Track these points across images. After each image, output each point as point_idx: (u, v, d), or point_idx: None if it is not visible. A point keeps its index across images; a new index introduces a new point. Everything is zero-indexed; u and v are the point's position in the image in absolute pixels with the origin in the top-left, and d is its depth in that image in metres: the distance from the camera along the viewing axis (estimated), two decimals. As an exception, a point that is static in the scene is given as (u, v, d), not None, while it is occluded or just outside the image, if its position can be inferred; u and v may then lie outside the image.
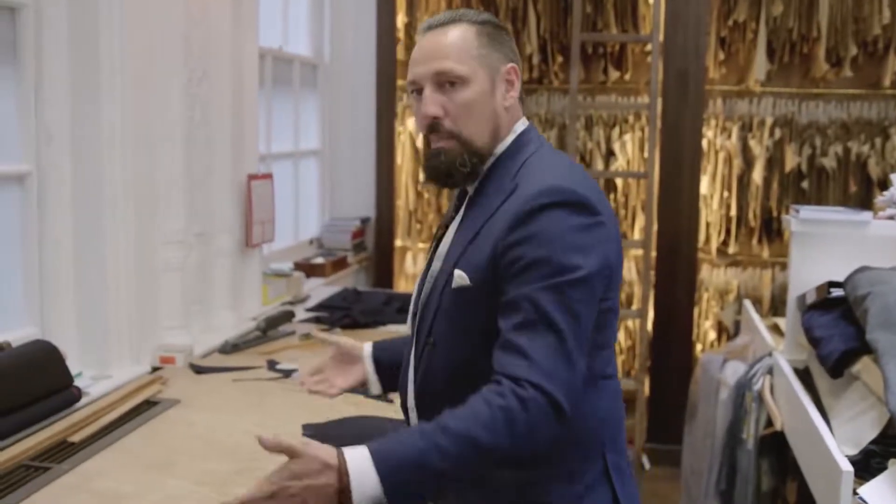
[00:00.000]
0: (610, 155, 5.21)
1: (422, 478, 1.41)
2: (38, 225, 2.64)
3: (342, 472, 1.39)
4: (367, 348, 1.93)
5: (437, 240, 1.75)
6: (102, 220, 2.68)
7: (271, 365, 2.87)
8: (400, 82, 5.17)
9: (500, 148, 1.69)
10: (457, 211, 1.74)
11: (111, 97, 2.65)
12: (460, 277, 1.59)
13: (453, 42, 1.67)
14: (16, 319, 2.64)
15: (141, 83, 2.77)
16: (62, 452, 2.17)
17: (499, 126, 1.68)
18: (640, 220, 5.21)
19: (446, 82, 1.65)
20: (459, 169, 1.65)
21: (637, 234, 5.20)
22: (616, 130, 5.20)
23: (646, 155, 5.02)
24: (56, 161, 2.64)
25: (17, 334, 2.56)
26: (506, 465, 1.49)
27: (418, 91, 1.68)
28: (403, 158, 5.32)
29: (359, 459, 1.40)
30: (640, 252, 5.12)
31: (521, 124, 1.72)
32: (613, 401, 1.68)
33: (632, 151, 5.19)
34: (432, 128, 1.66)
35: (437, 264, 1.69)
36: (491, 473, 1.53)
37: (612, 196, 5.23)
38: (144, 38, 2.77)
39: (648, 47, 5.05)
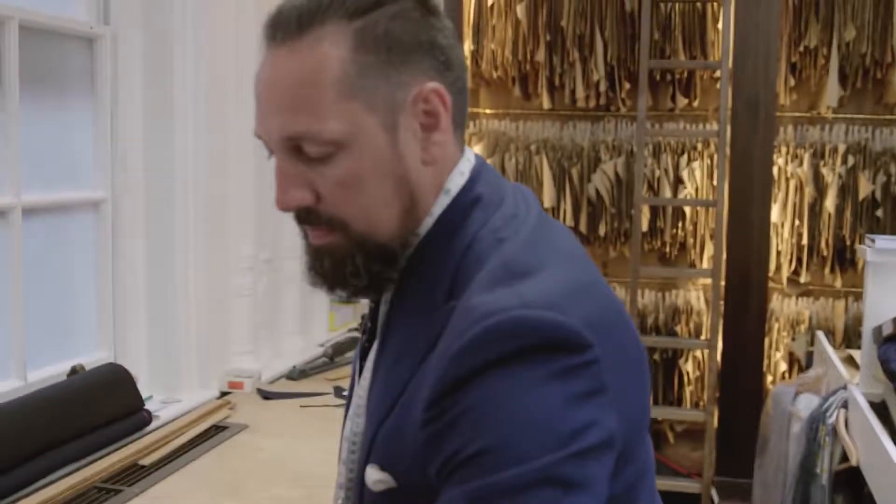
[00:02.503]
0: (678, 183, 5.15)
1: None
2: (113, 250, 2.69)
3: None
4: None
5: (362, 357, 1.12)
6: (174, 246, 2.72)
7: (338, 391, 2.88)
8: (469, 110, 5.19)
9: (425, 226, 1.03)
10: (374, 325, 1.10)
11: (184, 125, 2.70)
12: (379, 480, 0.98)
13: (307, 77, 0.97)
14: (90, 343, 2.68)
15: (213, 111, 2.81)
16: (133, 475, 2.20)
17: (415, 198, 1.02)
18: (708, 249, 5.15)
19: (306, 153, 0.99)
20: (351, 281, 1.02)
21: (706, 263, 5.13)
22: (684, 158, 5.15)
23: (714, 182, 4.97)
24: (130, 187, 2.69)
25: (91, 358, 2.61)
26: None
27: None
28: (470, 186, 5.32)
29: None
30: (708, 281, 5.05)
31: (459, 176, 1.05)
32: None
33: (700, 179, 5.14)
34: (300, 217, 1.04)
35: (353, 417, 1.09)
36: None
37: (680, 224, 5.18)
38: (217, 66, 2.82)
39: (717, 74, 5.00)
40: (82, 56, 2.59)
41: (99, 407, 2.34)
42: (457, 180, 1.04)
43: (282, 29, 0.99)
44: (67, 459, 2.19)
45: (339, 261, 1.02)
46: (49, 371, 2.47)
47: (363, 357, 1.10)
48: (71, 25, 2.51)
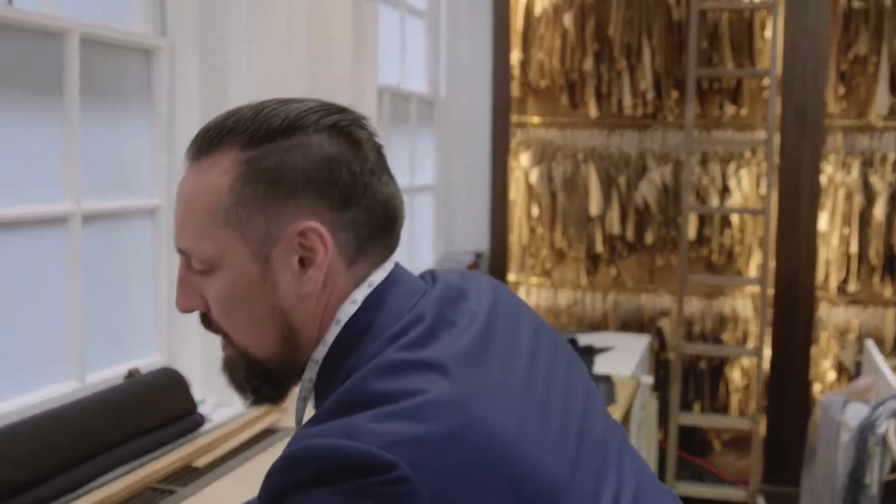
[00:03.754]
0: (725, 191, 5.14)
1: None
2: (168, 257, 2.75)
3: None
4: None
5: None
6: (227, 252, 2.77)
7: (387, 396, 2.92)
8: (514, 118, 5.23)
9: (320, 353, 1.07)
10: None
11: (238, 134, 2.75)
12: None
13: (192, 198, 1.05)
14: (145, 347, 2.75)
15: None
16: (187, 477, 2.25)
17: (293, 327, 1.06)
18: (756, 257, 5.13)
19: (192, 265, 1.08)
20: (242, 391, 1.13)
21: (753, 271, 5.11)
22: (732, 166, 5.13)
23: (762, 191, 4.95)
24: (185, 195, 2.75)
25: (146, 361, 2.67)
26: None
27: None
28: (517, 194, 5.35)
29: None
30: (756, 289, 5.04)
31: (351, 305, 1.06)
32: None
33: (748, 187, 5.12)
34: (202, 321, 1.13)
35: None
36: None
37: (727, 232, 5.16)
38: (270, 77, 2.87)
39: (765, 82, 4.99)
40: (140, 67, 2.66)
41: (153, 410, 2.39)
42: (347, 310, 1.07)
43: (193, 148, 1.07)
44: (123, 460, 2.24)
45: (230, 371, 1.11)
46: (106, 374, 2.53)
47: None
48: (129, 38, 2.58)
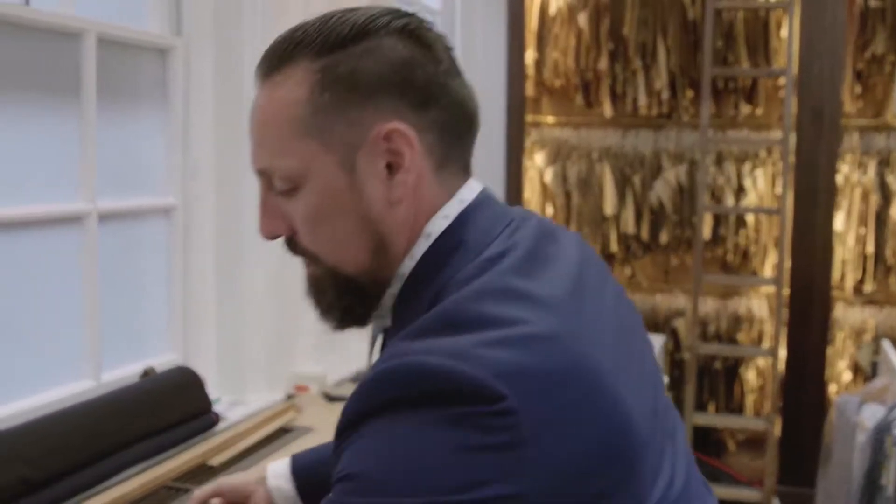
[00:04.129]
0: (740, 191, 5.13)
1: None
2: (183, 256, 2.76)
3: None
4: (278, 468, 1.48)
5: None
6: (243, 252, 2.78)
7: (401, 395, 2.92)
8: (529, 118, 5.22)
9: (407, 267, 1.04)
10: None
11: (253, 134, 2.76)
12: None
13: (270, 115, 1.03)
14: (160, 346, 2.75)
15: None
16: (202, 475, 2.25)
17: (383, 237, 1.03)
18: (771, 257, 5.11)
19: (275, 186, 1.05)
20: (328, 312, 1.09)
21: (769, 271, 5.09)
22: (747, 166, 5.12)
23: (778, 191, 4.94)
24: (201, 195, 2.76)
25: (161, 360, 2.67)
26: None
27: None
28: (532, 193, 5.34)
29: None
30: (771, 289, 5.02)
31: (443, 220, 1.03)
32: None
33: (763, 187, 5.10)
34: (286, 247, 1.10)
35: None
36: None
37: (742, 232, 5.14)
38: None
39: (781, 81, 4.97)
40: (155, 66, 2.67)
41: (168, 408, 2.40)
42: (439, 224, 1.03)
43: (263, 66, 1.05)
44: (138, 459, 2.25)
45: (318, 292, 1.08)
46: (121, 373, 2.54)
47: None
48: (145, 37, 2.59)
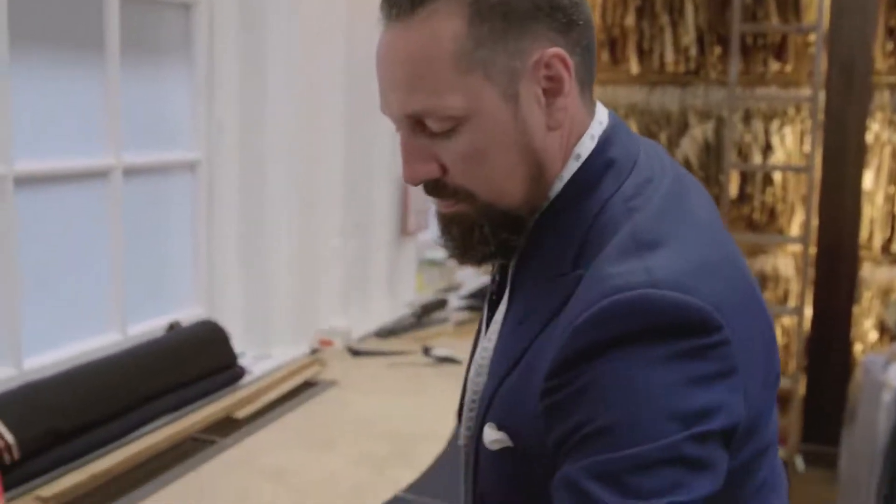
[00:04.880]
0: (768, 148, 5.08)
1: None
2: (208, 210, 2.77)
3: None
4: None
5: (488, 320, 1.09)
6: (267, 207, 2.78)
7: (426, 351, 2.92)
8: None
9: (555, 190, 1.02)
10: (501, 285, 1.08)
11: (276, 89, 2.75)
12: (496, 439, 0.99)
13: (423, 53, 0.97)
14: (186, 300, 2.77)
15: (306, 76, 2.86)
16: (227, 427, 2.27)
17: (542, 165, 1.01)
18: (798, 216, 5.07)
19: (428, 128, 0.99)
20: (479, 248, 1.03)
21: (795, 230, 5.06)
22: (775, 123, 5.06)
23: (806, 148, 4.88)
24: (225, 150, 2.76)
25: (186, 314, 2.69)
26: None
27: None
28: (556, 150, 5.30)
29: None
30: (798, 248, 4.98)
31: (590, 140, 1.03)
32: None
33: (791, 145, 5.05)
34: (428, 188, 1.03)
35: (473, 378, 1.07)
36: None
37: (769, 190, 5.10)
38: (310, 34, 2.86)
39: (811, 37, 4.90)
40: (179, 21, 2.66)
41: (195, 361, 2.42)
42: (587, 145, 1.02)
43: (396, 6, 0.98)
44: (165, 411, 2.28)
45: (467, 229, 1.02)
46: (147, 326, 2.56)
47: (489, 318, 1.09)
48: (169, -9, 2.58)
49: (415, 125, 1.00)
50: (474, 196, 1.00)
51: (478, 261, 1.06)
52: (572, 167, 1.02)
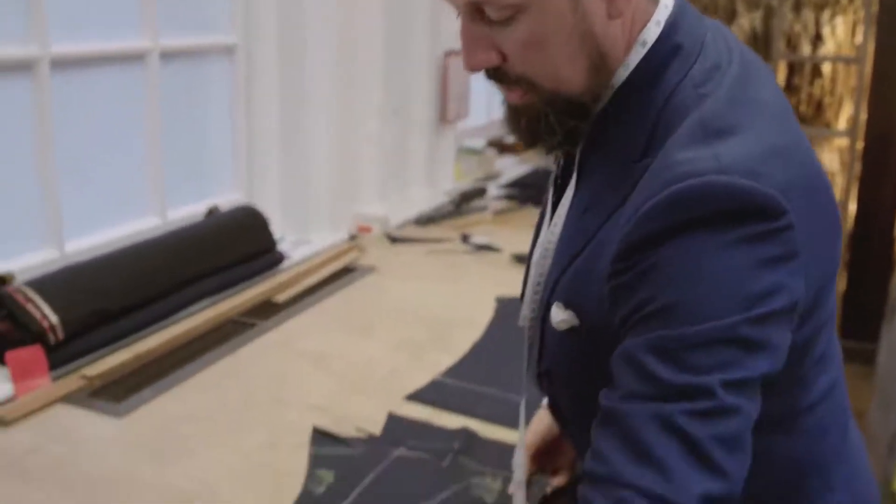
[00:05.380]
0: (818, 39, 4.94)
1: None
2: (246, 95, 2.74)
3: None
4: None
5: (553, 205, 1.12)
6: (305, 91, 2.75)
7: (465, 238, 2.91)
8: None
9: (619, 77, 1.02)
10: (567, 171, 1.10)
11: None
12: (563, 319, 1.02)
13: None
14: (225, 185, 2.77)
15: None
16: (267, 311, 2.29)
17: (603, 53, 1.00)
18: (846, 109, 4.96)
19: (488, 16, 0.98)
20: (546, 138, 1.05)
21: (843, 124, 4.95)
22: (826, 13, 4.91)
23: (858, 39, 4.74)
24: (263, 34, 2.72)
25: (225, 199, 2.69)
26: None
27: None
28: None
29: None
30: (844, 142, 4.89)
31: (655, 26, 1.01)
32: (825, 429, 1.07)
33: (842, 35, 4.91)
34: (490, 75, 1.03)
35: (539, 260, 1.10)
36: None
37: (817, 82, 4.98)
38: None
39: (868, -78, 4.71)
40: None
41: (234, 246, 2.43)
42: (653, 31, 1.01)
43: None
44: (205, 294, 2.29)
45: (533, 119, 1.02)
46: (186, 211, 2.57)
47: (554, 203, 1.10)
48: None
49: (474, 13, 0.98)
50: (536, 84, 1.00)
51: (546, 150, 1.07)
52: (638, 54, 1.01)
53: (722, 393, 0.85)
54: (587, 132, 1.04)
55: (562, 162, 1.11)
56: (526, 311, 1.13)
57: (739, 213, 0.87)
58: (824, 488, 1.07)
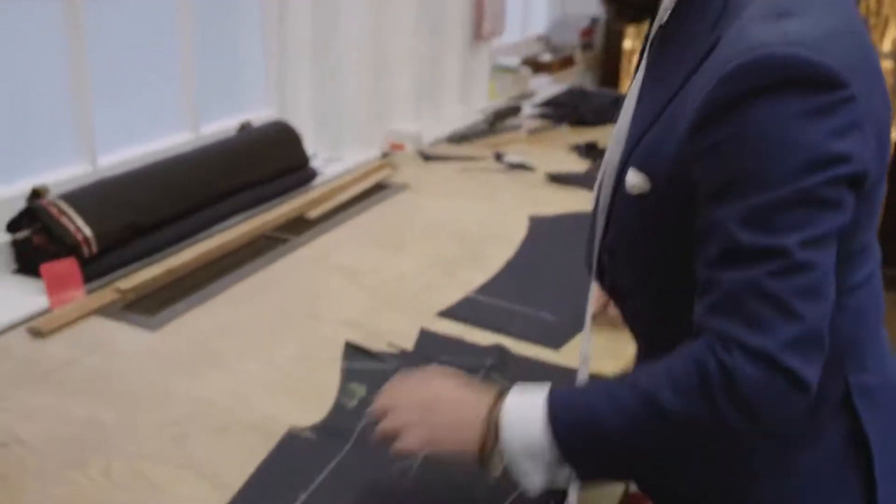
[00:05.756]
0: (864, -46, 4.80)
1: (590, 437, 1.03)
2: (279, 9, 2.70)
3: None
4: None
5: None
6: (338, 6, 2.71)
7: (498, 157, 2.88)
8: None
9: None
10: (645, 48, 1.17)
11: None
12: (636, 183, 1.08)
13: None
14: (257, 101, 2.75)
15: None
16: (299, 227, 2.28)
17: None
18: (892, 30, 4.83)
19: None
20: (626, 10, 1.16)
21: (888, 45, 4.83)
22: (874, -73, 4.77)
23: (906, -45, 4.61)
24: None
25: (258, 115, 2.67)
26: (699, 442, 1.02)
27: None
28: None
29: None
30: (889, 64, 4.77)
31: None
32: (863, 312, 1.14)
33: (890, -48, 4.77)
34: None
35: (617, 132, 1.16)
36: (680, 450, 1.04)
37: (862, 3, 4.85)
38: None
39: None
40: None
41: (267, 161, 2.42)
42: None
43: None
44: (238, 209, 2.29)
45: None
46: (219, 126, 2.55)
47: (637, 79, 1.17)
48: None
49: None
50: None
51: (628, 19, 1.17)
52: None
53: (799, 252, 0.94)
54: (662, 7, 1.10)
55: (643, 46, 1.18)
56: (602, 182, 1.19)
57: (807, 82, 0.93)
58: (858, 368, 1.14)
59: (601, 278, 1.23)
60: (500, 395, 1.08)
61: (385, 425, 1.12)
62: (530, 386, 1.08)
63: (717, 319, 0.97)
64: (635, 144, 1.10)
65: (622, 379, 1.07)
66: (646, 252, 1.12)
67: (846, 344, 1.11)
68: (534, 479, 1.05)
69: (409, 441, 1.09)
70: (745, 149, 0.94)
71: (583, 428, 1.03)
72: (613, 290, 1.24)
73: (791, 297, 0.94)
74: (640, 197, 1.08)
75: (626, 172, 1.10)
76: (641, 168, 1.08)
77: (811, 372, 0.97)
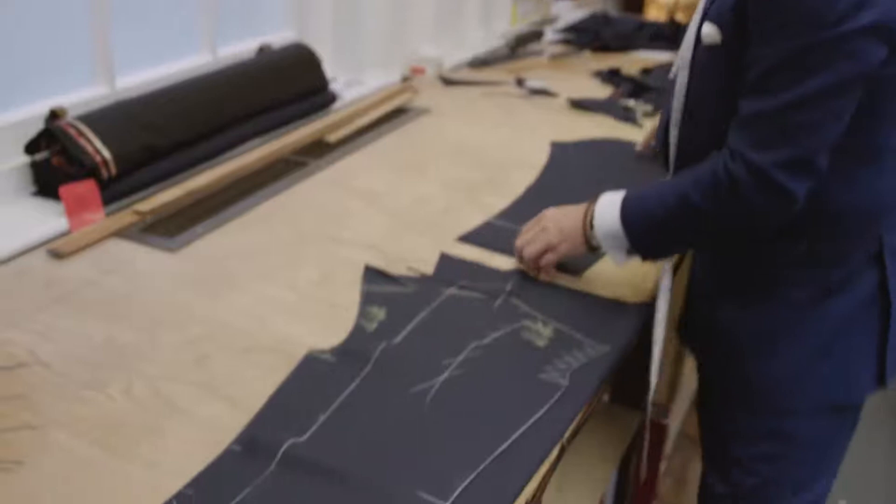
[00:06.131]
0: None
1: (649, 224, 1.44)
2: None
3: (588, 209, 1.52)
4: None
5: None
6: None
7: (519, 82, 2.84)
8: None
9: None
10: None
11: None
12: (709, 33, 1.33)
13: None
14: (276, 23, 2.71)
15: None
16: (319, 150, 2.26)
17: None
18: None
19: None
20: None
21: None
22: None
23: None
24: None
25: (277, 37, 2.64)
26: (720, 234, 1.41)
27: None
28: None
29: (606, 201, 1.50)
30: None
31: None
32: None
33: None
34: None
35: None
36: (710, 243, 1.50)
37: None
38: None
39: None
40: None
41: (286, 84, 2.39)
42: None
43: None
44: (257, 132, 2.27)
45: None
46: (237, 48, 2.52)
47: None
48: None
49: None
50: None
51: None
52: None
53: (814, 95, 1.19)
54: None
55: None
56: (684, 44, 1.42)
57: None
58: (890, 228, 1.39)
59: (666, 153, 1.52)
60: (596, 198, 1.51)
61: (531, 248, 1.59)
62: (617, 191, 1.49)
63: (733, 137, 1.29)
64: (711, 4, 1.33)
65: (671, 181, 1.42)
66: (722, 104, 1.34)
67: (880, 204, 1.35)
68: (617, 255, 1.49)
69: (544, 241, 1.58)
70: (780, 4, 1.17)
71: (640, 218, 1.42)
72: (679, 156, 1.48)
73: (794, 128, 1.22)
74: (713, 49, 1.32)
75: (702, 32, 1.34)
76: (714, 20, 1.31)
77: (796, 187, 1.25)
